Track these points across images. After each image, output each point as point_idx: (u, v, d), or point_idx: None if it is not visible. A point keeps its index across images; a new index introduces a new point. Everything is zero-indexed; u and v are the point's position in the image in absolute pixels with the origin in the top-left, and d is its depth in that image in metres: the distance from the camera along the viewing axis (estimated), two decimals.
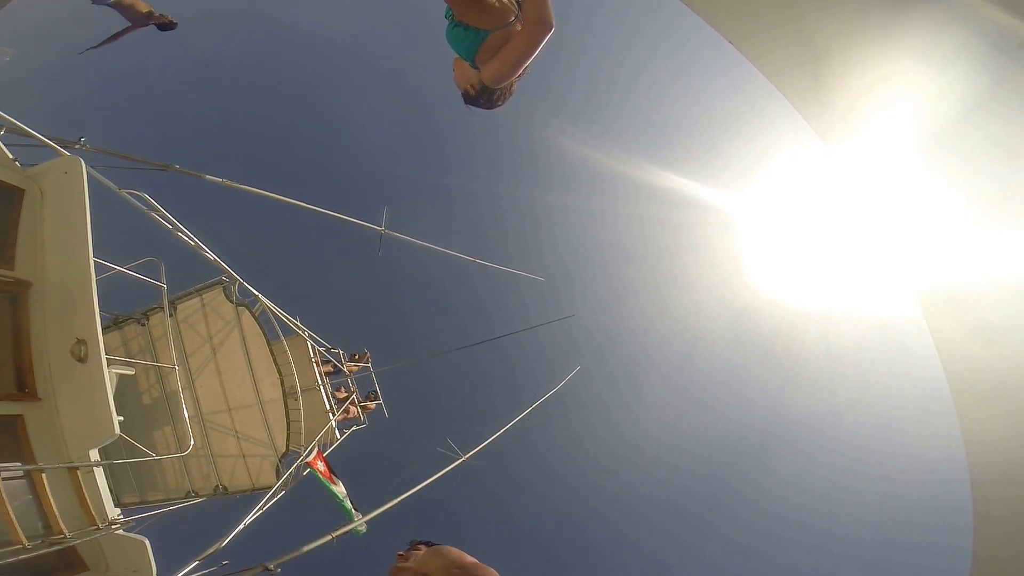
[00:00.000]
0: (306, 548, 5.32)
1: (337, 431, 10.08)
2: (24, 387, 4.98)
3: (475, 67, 2.29)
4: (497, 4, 2.15)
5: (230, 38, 27.03)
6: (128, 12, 6.04)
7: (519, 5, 2.19)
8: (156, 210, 6.22)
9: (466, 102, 2.42)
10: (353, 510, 7.88)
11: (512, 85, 2.30)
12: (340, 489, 8.09)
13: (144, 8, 6.10)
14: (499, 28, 2.16)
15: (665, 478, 30.23)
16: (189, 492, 9.30)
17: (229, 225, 21.09)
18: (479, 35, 2.19)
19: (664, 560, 29.19)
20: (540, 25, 2.04)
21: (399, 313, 30.26)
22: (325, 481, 8.02)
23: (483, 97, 2.34)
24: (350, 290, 28.02)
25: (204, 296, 9.06)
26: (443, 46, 2.40)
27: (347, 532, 6.30)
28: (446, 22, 2.34)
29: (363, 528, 7.11)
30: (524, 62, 2.16)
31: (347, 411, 10.78)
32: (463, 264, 11.74)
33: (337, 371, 11.22)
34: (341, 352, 11.48)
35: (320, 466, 8.09)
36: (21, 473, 4.77)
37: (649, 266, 33.34)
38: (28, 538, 4.54)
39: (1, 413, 4.87)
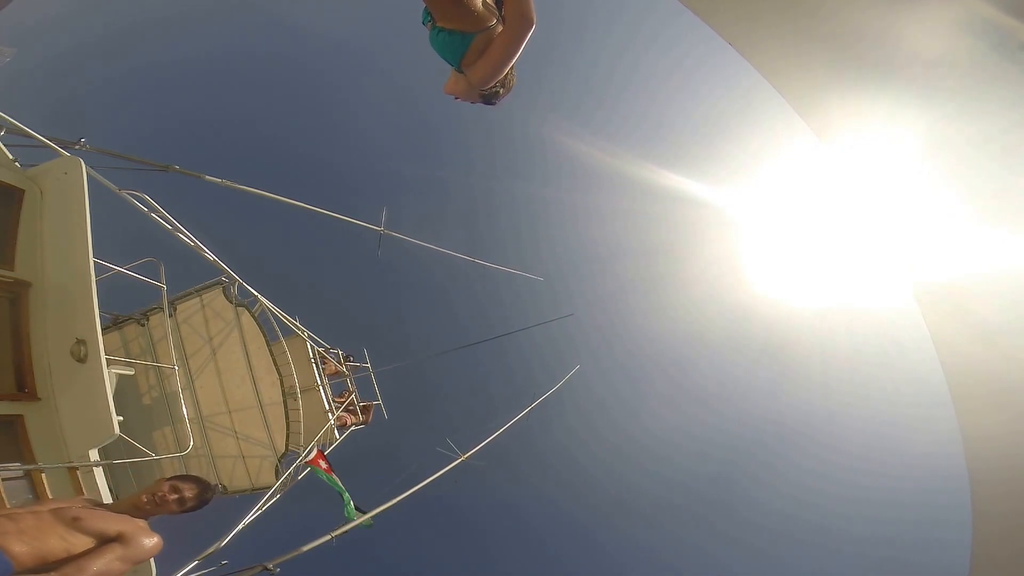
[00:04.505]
0: (306, 548, 5.34)
1: (336, 431, 10.10)
2: (24, 387, 4.99)
3: (460, 71, 2.29)
4: (479, 6, 2.15)
5: (230, 38, 27.06)
6: None
7: (499, 5, 2.20)
8: (156, 210, 6.22)
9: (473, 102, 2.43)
10: (354, 508, 7.88)
11: (512, 77, 2.31)
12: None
13: None
14: (482, 31, 2.17)
15: (664, 475, 30.30)
16: None
17: (229, 225, 21.13)
18: (465, 39, 2.18)
19: (662, 557, 29.24)
20: (522, 22, 2.06)
21: (398, 313, 30.33)
22: (327, 476, 8.02)
23: (484, 99, 2.36)
24: (349, 290, 28.07)
25: (204, 296, 9.08)
26: None
27: (348, 531, 6.30)
28: (426, 29, 2.33)
29: (370, 521, 7.10)
30: (509, 60, 2.17)
31: (343, 417, 10.77)
32: (462, 264, 11.77)
33: (337, 372, 11.24)
34: (340, 352, 11.49)
35: (322, 464, 8.11)
36: (21, 473, 4.77)
37: (647, 264, 33.37)
38: None
39: (1, 413, 4.88)
